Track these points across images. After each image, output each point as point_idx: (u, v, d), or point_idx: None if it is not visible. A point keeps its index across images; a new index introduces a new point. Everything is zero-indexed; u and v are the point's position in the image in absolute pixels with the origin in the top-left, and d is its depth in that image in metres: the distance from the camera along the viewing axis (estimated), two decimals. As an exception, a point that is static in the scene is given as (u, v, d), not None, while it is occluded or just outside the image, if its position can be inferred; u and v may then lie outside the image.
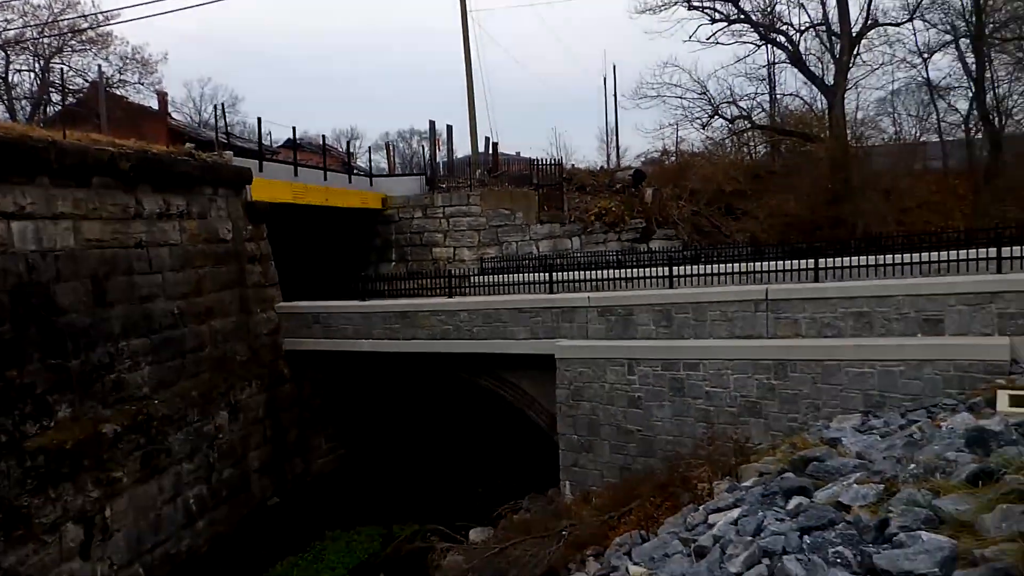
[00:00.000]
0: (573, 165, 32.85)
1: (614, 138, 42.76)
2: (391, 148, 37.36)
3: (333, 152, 39.03)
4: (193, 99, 53.47)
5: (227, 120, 23.10)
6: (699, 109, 32.10)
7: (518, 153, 46.17)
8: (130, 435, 13.21)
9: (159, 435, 13.99)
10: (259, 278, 18.72)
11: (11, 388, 11.33)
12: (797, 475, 6.80)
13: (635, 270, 18.18)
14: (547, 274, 17.51)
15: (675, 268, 16.27)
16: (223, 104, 23.59)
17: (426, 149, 32.91)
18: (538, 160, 27.67)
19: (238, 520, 15.90)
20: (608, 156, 43.40)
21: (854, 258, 15.00)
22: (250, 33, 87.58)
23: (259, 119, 22.49)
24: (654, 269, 17.30)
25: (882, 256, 14.94)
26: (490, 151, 32.32)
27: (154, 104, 36.37)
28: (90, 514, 12.11)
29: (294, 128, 26.04)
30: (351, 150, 35.24)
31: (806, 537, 4.72)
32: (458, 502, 16.61)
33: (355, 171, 29.49)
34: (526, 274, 18.92)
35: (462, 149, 36.99)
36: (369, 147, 34.75)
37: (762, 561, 4.69)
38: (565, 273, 17.99)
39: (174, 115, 40.25)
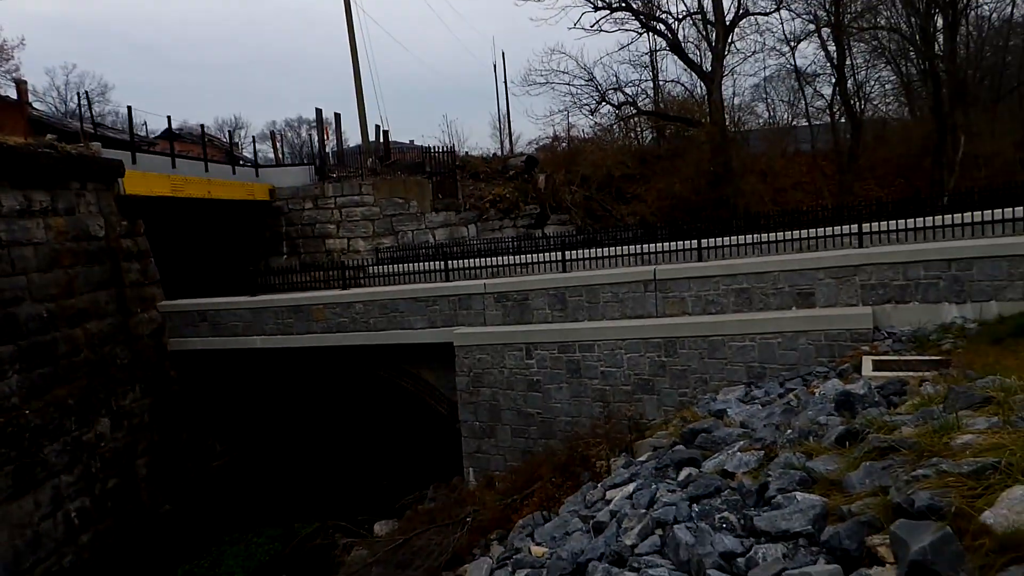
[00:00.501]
0: (467, 152, 32.84)
1: (506, 125, 43.18)
2: (277, 137, 36.08)
3: (216, 143, 37.23)
4: (57, 88, 49.78)
5: (95, 110, 21.64)
6: (587, 96, 32.76)
7: (411, 141, 45.69)
8: (0, 449, 12.26)
9: (32, 447, 13.04)
10: (138, 276, 17.70)
11: None
12: (687, 447, 7.15)
13: (530, 256, 18.45)
14: (444, 262, 17.49)
15: (568, 252, 16.61)
16: (87, 92, 22.02)
17: (315, 139, 32.00)
18: (431, 148, 27.53)
19: (127, 531, 15.07)
20: (501, 143, 43.71)
21: (735, 237, 15.82)
22: (115, 19, 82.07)
23: (129, 108, 21.20)
24: (548, 254, 17.61)
25: (760, 235, 15.81)
26: (381, 140, 31.80)
27: (12, 93, 33.51)
28: (-45, 538, 11.19)
29: (169, 118, 24.77)
30: (235, 140, 33.80)
31: (695, 506, 4.99)
32: (362, 496, 16.42)
33: (240, 162, 28.33)
34: (423, 263, 18.84)
35: (353, 138, 36.25)
36: (254, 137, 33.44)
37: (655, 532, 4.92)
38: (462, 261, 18.03)
39: (35, 105, 37.26)
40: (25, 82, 34.21)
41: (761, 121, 34.80)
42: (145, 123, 38.38)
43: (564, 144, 33.63)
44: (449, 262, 17.65)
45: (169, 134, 29.10)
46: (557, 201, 26.77)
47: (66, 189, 15.89)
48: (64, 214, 15.68)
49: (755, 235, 15.82)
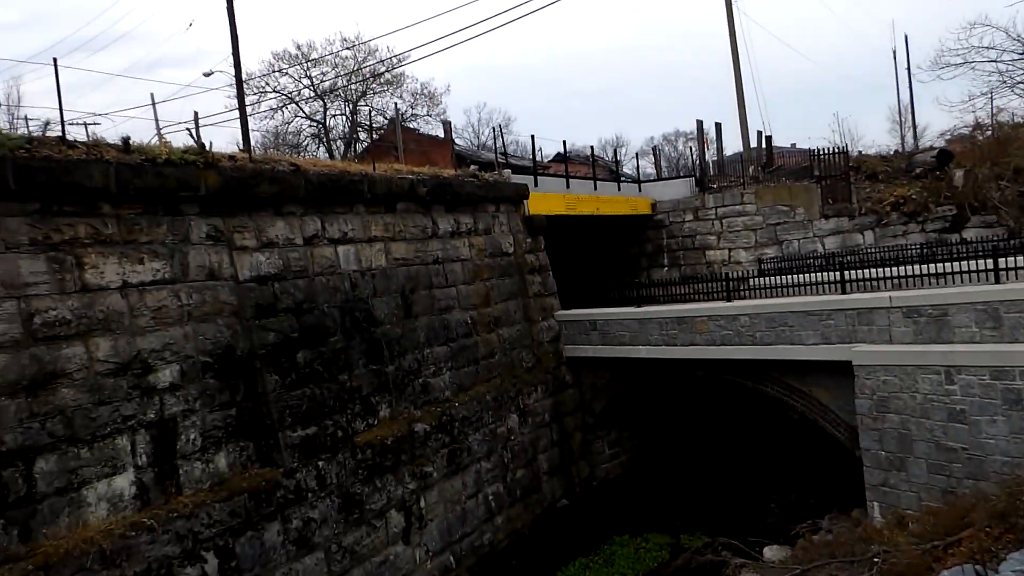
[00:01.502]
0: (860, 152, 29.91)
1: (909, 117, 38.18)
2: (657, 152, 37.15)
3: (600, 162, 39.87)
4: (471, 123, 58.07)
5: (504, 140, 24.66)
6: (1021, 72, 27.27)
7: (793, 145, 43.31)
8: (437, 434, 14.59)
9: (460, 435, 15.26)
10: (539, 288, 19.65)
11: (343, 390, 13.11)
12: None
13: (947, 264, 15.97)
14: (838, 273, 16.06)
15: (1002, 259, 13.96)
16: (500, 126, 25.25)
17: (694, 151, 32.16)
18: (818, 150, 25.60)
19: (532, 519, 16.77)
20: (903, 138, 38.86)
21: None
22: (517, 55, 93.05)
23: (532, 137, 23.84)
24: (973, 262, 15.02)
25: None
26: (763, 145, 30.64)
27: (440, 132, 40.23)
28: (409, 504, 13.58)
29: (564, 142, 27.06)
30: (618, 158, 35.68)
31: None
32: (747, 515, 15.86)
33: (623, 178, 29.78)
34: (812, 274, 17.55)
35: (731, 147, 35.64)
36: (636, 153, 34.88)
37: None
38: (859, 271, 16.37)
39: (457, 141, 44.14)
40: (450, 122, 40.75)
41: None
42: (540, 148, 42.69)
43: (988, 132, 28.49)
44: (845, 272, 16.14)
45: (563, 157, 31.90)
46: (979, 200, 22.76)
47: (484, 212, 18.38)
48: (483, 233, 18.13)
49: None
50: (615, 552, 14.87)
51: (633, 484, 19.09)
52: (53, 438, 9.00)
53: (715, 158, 31.50)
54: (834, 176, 24.46)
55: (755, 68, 52.81)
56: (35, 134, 10.21)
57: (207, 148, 11.85)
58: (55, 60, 10.17)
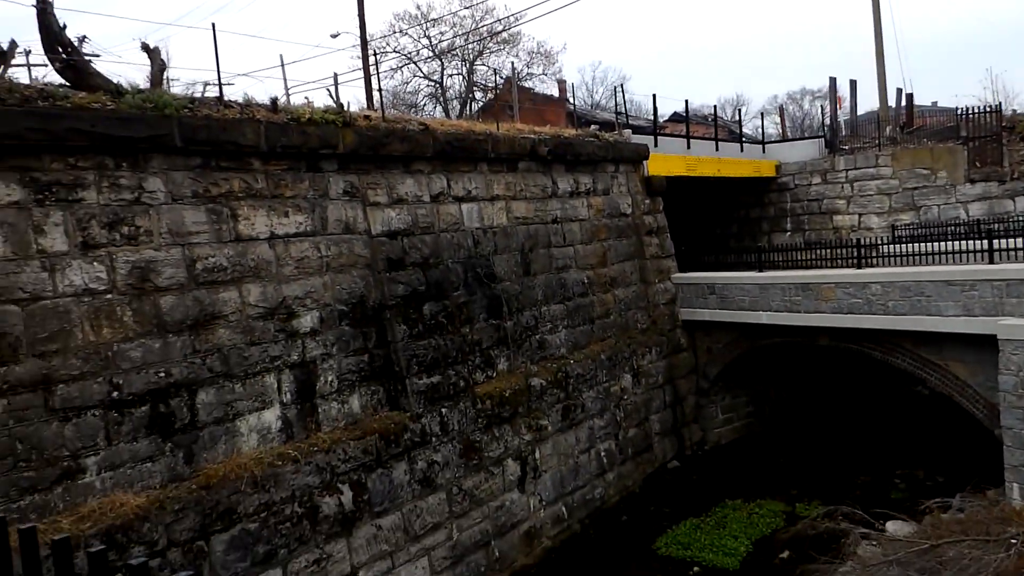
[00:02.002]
0: (1015, 111, 27.41)
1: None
2: (783, 112, 35.44)
3: (721, 122, 38.55)
4: (586, 82, 57.34)
5: (624, 99, 24.32)
6: None
7: (934, 104, 40.24)
8: (552, 389, 14.94)
9: (575, 391, 15.55)
10: (656, 250, 19.48)
11: (465, 343, 13.63)
12: None
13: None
14: (985, 241, 15.04)
15: None
16: (621, 85, 24.83)
17: (824, 110, 30.49)
18: (966, 109, 23.70)
19: (642, 478, 16.96)
20: (1067, 94, 35.18)
21: None
22: (635, 11, 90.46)
23: (654, 96, 23.24)
24: None
25: None
26: (902, 104, 28.65)
27: (554, 91, 40.00)
28: (524, 454, 14.06)
29: (687, 101, 26.26)
30: (740, 117, 34.35)
31: None
32: (869, 489, 15.37)
33: (745, 139, 28.72)
34: (954, 242, 16.53)
35: (866, 105, 33.50)
36: (762, 113, 33.43)
37: None
38: (1010, 240, 15.26)
39: (571, 100, 43.78)
40: (564, 81, 40.48)
41: None
42: (656, 108, 41.73)
43: None
44: (993, 241, 15.10)
45: (680, 117, 31.05)
46: None
47: (603, 172, 18.33)
48: (601, 194, 18.11)
49: None
50: (727, 515, 14.81)
51: (747, 451, 18.85)
52: (212, 373, 9.93)
53: (847, 117, 29.74)
54: (983, 137, 22.64)
55: (896, 20, 49.07)
56: (196, 95, 11.03)
57: (344, 108, 12.44)
58: (213, 25, 10.87)
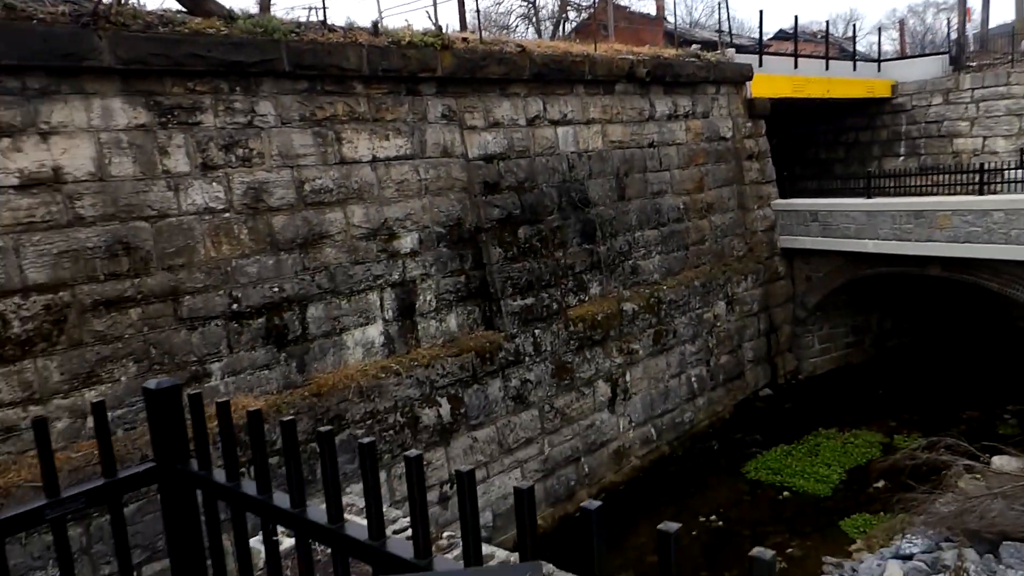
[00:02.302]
0: None
1: None
2: (903, 26, 32.74)
3: (832, 39, 36.06)
4: (684, 0, 54.60)
5: (728, 16, 23.12)
6: None
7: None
8: (644, 314, 14.98)
9: (667, 317, 15.54)
10: (756, 175, 18.82)
11: (558, 266, 13.79)
12: None
13: None
14: None
15: None
16: (724, 1, 23.53)
17: (951, 23, 28.03)
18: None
19: (733, 405, 16.94)
20: None
21: None
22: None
23: (760, 12, 21.95)
24: None
25: None
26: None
27: (651, 10, 38.38)
28: (615, 377, 14.29)
29: (796, 17, 24.72)
30: (853, 33, 32.02)
31: None
32: (975, 424, 14.83)
33: (858, 57, 26.86)
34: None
35: (998, 18, 30.54)
36: (879, 29, 30.85)
37: None
38: None
39: (668, 18, 41.89)
40: (662, -1, 38.65)
41: None
42: (761, 25, 39.43)
43: None
44: None
45: (787, 35, 29.28)
46: None
47: (703, 94, 17.69)
48: (700, 117, 17.54)
49: None
50: (820, 444, 14.68)
51: (843, 381, 18.42)
52: (320, 289, 10.52)
53: (977, 31, 27.26)
54: None
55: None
56: (303, 20, 11.31)
57: (443, 31, 12.45)
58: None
